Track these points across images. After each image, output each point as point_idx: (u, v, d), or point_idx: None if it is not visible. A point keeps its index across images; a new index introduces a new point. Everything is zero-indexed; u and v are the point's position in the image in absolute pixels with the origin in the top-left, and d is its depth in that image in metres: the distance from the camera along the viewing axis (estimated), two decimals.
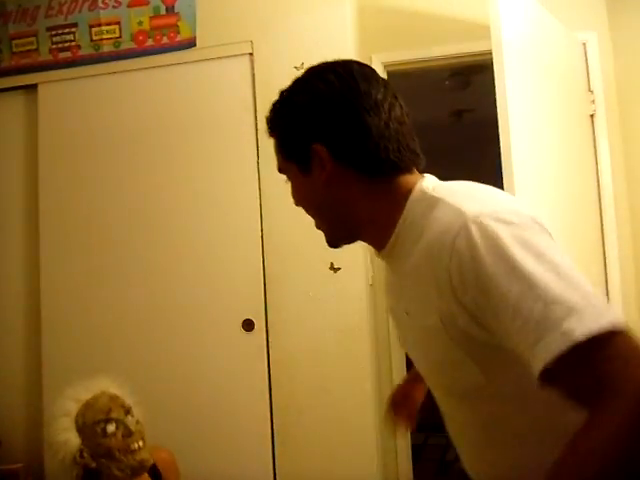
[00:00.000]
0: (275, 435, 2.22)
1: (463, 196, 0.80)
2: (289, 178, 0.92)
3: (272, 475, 2.20)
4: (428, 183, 0.85)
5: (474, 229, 0.72)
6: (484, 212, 0.74)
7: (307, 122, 0.87)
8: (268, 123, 0.96)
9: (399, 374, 2.44)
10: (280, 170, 0.94)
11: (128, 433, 1.55)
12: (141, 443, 1.55)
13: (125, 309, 2.37)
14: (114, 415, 1.57)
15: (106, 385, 1.68)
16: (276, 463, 2.21)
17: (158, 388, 2.31)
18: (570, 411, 0.72)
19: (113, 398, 1.64)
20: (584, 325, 0.65)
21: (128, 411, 1.62)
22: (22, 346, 2.49)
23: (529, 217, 0.75)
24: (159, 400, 2.31)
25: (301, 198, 0.92)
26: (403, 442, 2.43)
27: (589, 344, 0.65)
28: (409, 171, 0.86)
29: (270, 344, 2.24)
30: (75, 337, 2.39)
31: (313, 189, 0.88)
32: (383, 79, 0.90)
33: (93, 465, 1.54)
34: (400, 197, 0.84)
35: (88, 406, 1.59)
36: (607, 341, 0.66)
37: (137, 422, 1.61)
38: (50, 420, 1.66)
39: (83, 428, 1.57)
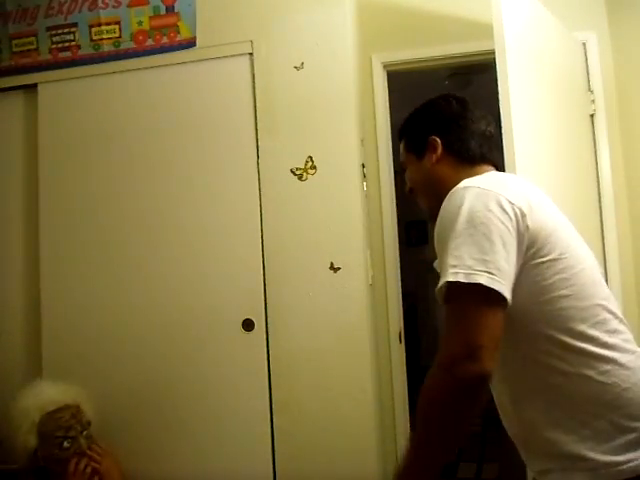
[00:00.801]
0: (275, 435, 2.22)
1: (479, 178, 1.11)
2: (407, 167, 1.32)
3: (272, 475, 2.20)
4: (489, 172, 1.20)
5: (452, 191, 1.07)
6: (468, 185, 1.06)
7: (429, 120, 1.29)
8: (400, 131, 1.35)
9: (399, 374, 2.44)
10: (402, 164, 1.33)
11: (81, 451, 1.88)
12: (86, 461, 1.88)
13: (125, 309, 2.37)
14: (72, 433, 1.88)
15: (72, 396, 1.98)
16: (276, 463, 2.21)
17: (158, 388, 2.31)
18: (558, 375, 1.00)
19: (75, 415, 1.92)
20: (456, 276, 0.96)
21: (85, 428, 1.92)
22: (22, 346, 2.49)
23: (497, 196, 1.01)
24: (159, 400, 2.32)
25: (414, 178, 1.30)
26: (403, 442, 2.43)
27: (450, 290, 0.97)
28: (486, 163, 1.23)
29: (270, 344, 2.24)
30: (75, 337, 2.39)
31: (424, 170, 1.26)
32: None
33: (42, 465, 1.89)
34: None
35: (51, 418, 1.88)
36: (456, 295, 0.97)
37: (90, 438, 1.93)
38: (12, 414, 1.95)
39: (42, 435, 1.87)
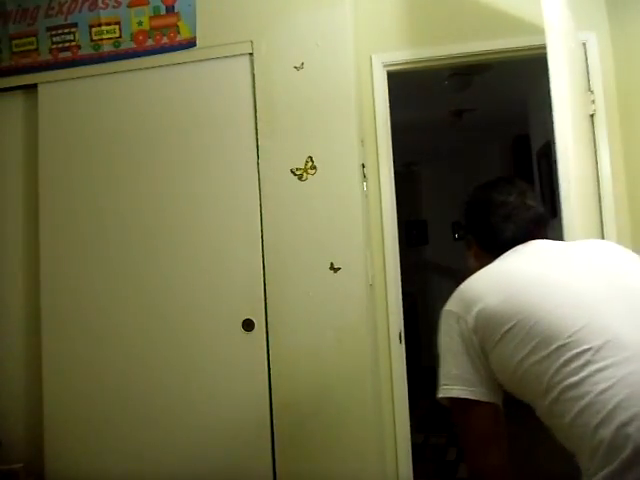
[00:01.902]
0: (275, 435, 2.22)
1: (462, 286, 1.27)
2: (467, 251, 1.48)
3: (272, 475, 2.20)
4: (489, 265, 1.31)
5: None
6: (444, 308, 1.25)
7: (466, 218, 1.46)
8: None
9: (399, 374, 2.44)
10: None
11: None
12: None
13: (125, 309, 2.37)
14: None
15: None
16: (276, 463, 2.21)
17: (158, 388, 2.31)
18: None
19: None
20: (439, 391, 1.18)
21: None
22: (22, 346, 2.49)
23: (448, 315, 1.22)
24: (158, 399, 2.32)
25: (468, 265, 1.44)
26: (403, 442, 2.43)
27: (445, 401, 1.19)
28: (508, 248, 1.31)
29: (270, 344, 2.24)
30: (75, 337, 2.39)
31: (470, 261, 1.44)
32: (511, 183, 1.40)
33: None
34: None
35: None
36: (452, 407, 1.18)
37: None
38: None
39: None
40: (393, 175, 2.56)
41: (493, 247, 1.35)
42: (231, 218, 2.30)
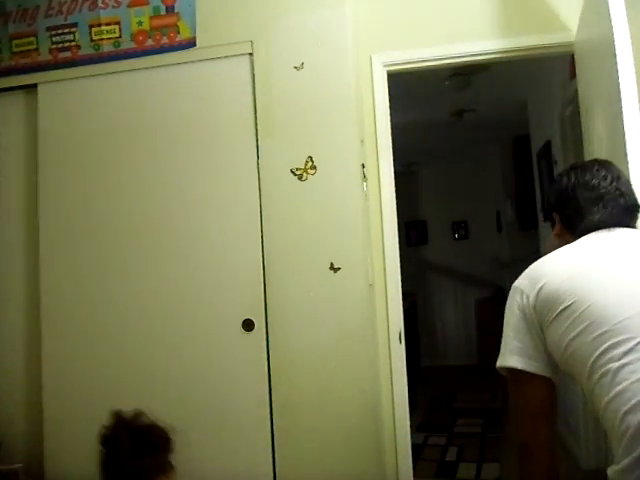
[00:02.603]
0: (275, 435, 2.21)
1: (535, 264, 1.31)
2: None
3: (272, 475, 2.20)
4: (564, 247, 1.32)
5: None
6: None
7: (552, 196, 1.45)
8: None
9: (399, 374, 2.44)
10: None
11: None
12: None
13: (125, 309, 2.37)
14: None
15: None
16: (276, 463, 2.21)
17: (158, 388, 2.31)
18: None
19: None
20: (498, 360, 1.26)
21: None
22: (22, 346, 2.49)
23: (514, 291, 1.27)
24: (158, 399, 2.31)
25: (550, 244, 1.43)
26: (403, 442, 2.43)
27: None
28: (592, 231, 1.31)
29: (270, 344, 2.24)
30: (75, 337, 2.39)
31: (552, 240, 1.43)
32: (605, 167, 1.37)
33: None
34: None
35: None
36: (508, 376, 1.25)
37: None
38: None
39: None
40: (393, 175, 2.56)
41: (577, 229, 1.34)
42: (231, 218, 2.30)
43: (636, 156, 1.67)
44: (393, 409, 2.43)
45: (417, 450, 3.66)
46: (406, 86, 3.05)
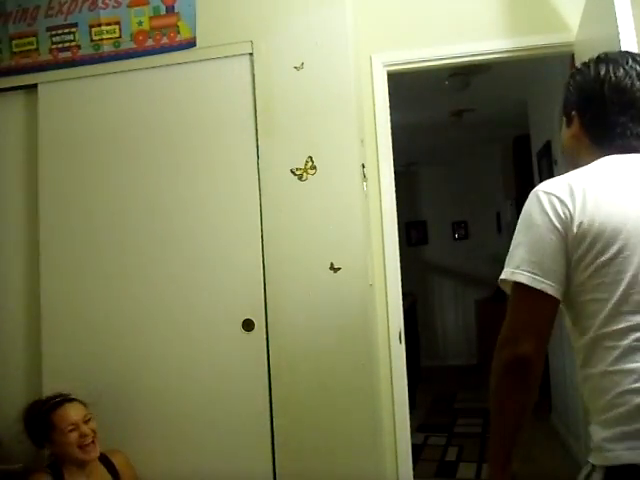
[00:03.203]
0: (275, 435, 2.22)
1: (563, 176, 1.17)
2: (561, 127, 1.33)
3: (272, 475, 2.20)
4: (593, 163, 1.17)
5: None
6: (538, 189, 1.16)
7: (573, 92, 1.27)
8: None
9: (399, 374, 2.44)
10: (562, 121, 1.34)
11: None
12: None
13: (125, 309, 2.37)
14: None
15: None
16: (276, 463, 2.21)
17: (158, 388, 2.31)
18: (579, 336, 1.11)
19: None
20: (505, 274, 1.14)
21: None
22: (22, 346, 2.48)
23: (538, 191, 1.15)
24: (158, 399, 2.32)
25: (562, 141, 1.34)
26: (403, 442, 2.43)
27: (503, 284, 1.17)
28: (613, 148, 1.17)
29: (270, 344, 2.24)
30: (75, 337, 2.39)
31: (566, 138, 1.30)
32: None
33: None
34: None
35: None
36: (509, 289, 1.14)
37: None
38: None
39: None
40: (393, 175, 2.56)
41: (600, 137, 1.19)
42: (231, 218, 2.30)
43: None
44: (393, 409, 2.43)
45: (417, 450, 3.66)
46: (406, 86, 3.05)
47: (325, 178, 2.23)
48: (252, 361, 2.25)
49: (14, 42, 2.55)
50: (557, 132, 3.47)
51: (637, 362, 1.01)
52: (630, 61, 1.18)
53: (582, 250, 1.07)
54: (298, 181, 2.25)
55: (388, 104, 2.54)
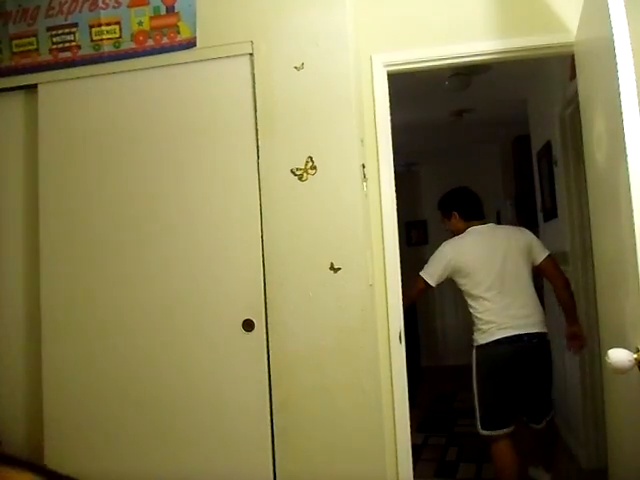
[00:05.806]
0: (275, 435, 2.22)
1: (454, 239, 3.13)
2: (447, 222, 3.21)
3: (272, 475, 2.21)
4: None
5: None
6: (445, 244, 3.08)
7: (448, 204, 3.26)
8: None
9: (399, 374, 2.44)
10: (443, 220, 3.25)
11: None
12: None
13: (125, 309, 2.37)
14: None
15: None
16: (276, 463, 2.21)
17: (158, 388, 2.31)
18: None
19: None
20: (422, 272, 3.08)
21: None
22: (22, 346, 2.49)
23: (447, 248, 3.01)
24: (158, 399, 2.32)
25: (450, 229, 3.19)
26: (403, 442, 2.43)
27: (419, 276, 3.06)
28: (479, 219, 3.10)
29: (270, 344, 2.24)
30: (75, 338, 2.39)
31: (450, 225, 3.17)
32: None
33: None
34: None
35: None
36: (416, 279, 3.03)
37: None
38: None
39: None
40: (393, 175, 2.56)
41: (468, 219, 3.06)
42: (231, 218, 2.31)
43: (636, 156, 1.67)
44: (393, 409, 2.43)
45: (417, 450, 3.66)
46: (406, 86, 3.05)
47: (325, 178, 2.24)
48: (252, 361, 2.25)
49: (14, 42, 2.55)
50: (557, 132, 3.47)
51: None
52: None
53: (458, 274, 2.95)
54: (298, 181, 2.25)
55: (388, 104, 2.54)
